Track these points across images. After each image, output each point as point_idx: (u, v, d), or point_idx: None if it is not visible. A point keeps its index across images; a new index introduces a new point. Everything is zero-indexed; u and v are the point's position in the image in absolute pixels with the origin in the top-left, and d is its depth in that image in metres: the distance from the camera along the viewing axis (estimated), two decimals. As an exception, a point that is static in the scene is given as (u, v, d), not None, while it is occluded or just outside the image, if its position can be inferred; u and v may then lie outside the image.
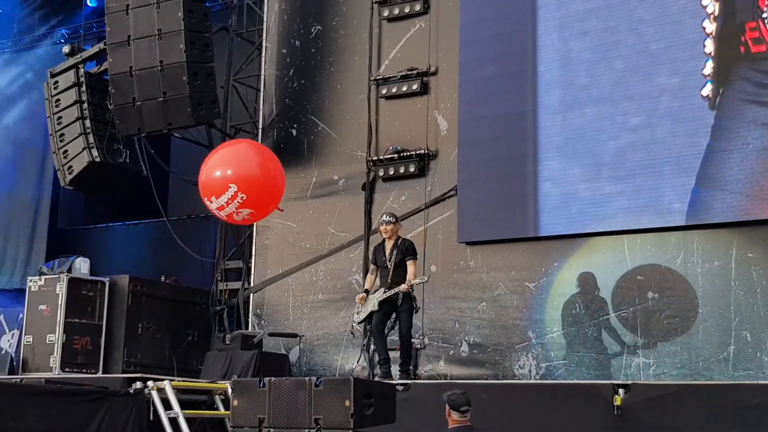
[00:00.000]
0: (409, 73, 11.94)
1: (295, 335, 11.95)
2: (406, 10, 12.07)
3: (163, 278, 13.32)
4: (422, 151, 11.66)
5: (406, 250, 9.80)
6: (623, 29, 10.31)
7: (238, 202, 9.52)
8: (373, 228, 11.85)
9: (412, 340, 10.26)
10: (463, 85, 11.38)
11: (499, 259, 10.90)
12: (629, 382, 8.34)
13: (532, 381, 10.03)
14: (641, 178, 10.00)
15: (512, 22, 11.11)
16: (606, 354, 10.07)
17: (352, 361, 11.58)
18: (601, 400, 8.12)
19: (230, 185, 9.46)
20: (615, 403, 7.99)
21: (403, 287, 9.56)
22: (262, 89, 13.36)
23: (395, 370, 10.03)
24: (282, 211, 10.94)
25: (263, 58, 13.38)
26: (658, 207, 9.88)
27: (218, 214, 9.91)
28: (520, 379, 10.37)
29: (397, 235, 9.94)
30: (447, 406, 6.55)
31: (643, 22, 10.20)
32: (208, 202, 9.76)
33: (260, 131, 13.19)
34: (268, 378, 7.29)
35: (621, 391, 8.05)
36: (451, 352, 11.04)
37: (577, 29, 10.61)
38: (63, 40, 16.93)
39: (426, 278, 9.64)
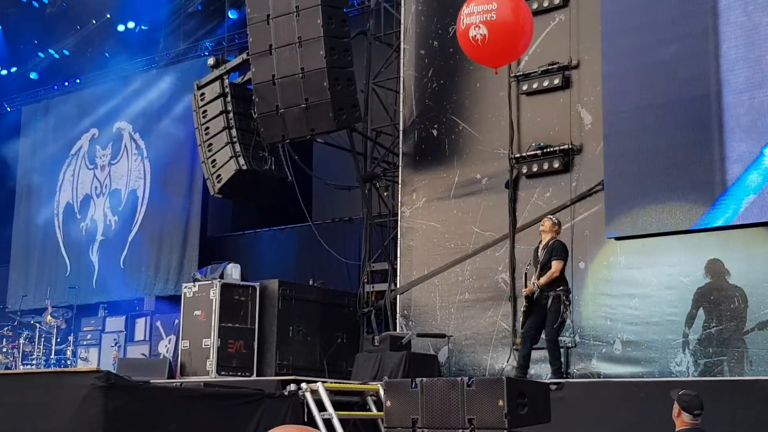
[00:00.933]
0: (550, 67, 11.75)
1: (443, 335, 11.95)
2: (545, 4, 11.88)
3: (311, 282, 13.53)
4: (566, 146, 11.46)
5: (553, 251, 9.72)
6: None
7: (486, 18, 9.26)
8: (518, 226, 11.72)
9: (561, 338, 10.11)
10: (606, 77, 11.10)
11: (650, 253, 10.60)
12: (796, 378, 7.98)
13: (691, 378, 9.70)
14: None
15: (665, 8, 10.71)
16: (768, 349, 9.67)
17: (502, 361, 11.49)
18: (766, 397, 7.79)
19: (494, 2, 9.30)
20: (782, 400, 7.66)
21: (526, 289, 9.63)
22: (401, 91, 13.40)
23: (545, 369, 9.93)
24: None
25: (402, 60, 13.43)
26: None
27: (459, 23, 9.63)
28: (677, 376, 10.04)
29: (551, 236, 9.87)
30: (677, 406, 6.26)
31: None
32: (465, 8, 9.53)
33: (401, 133, 13.24)
34: (420, 379, 7.28)
35: (788, 387, 7.71)
36: (604, 350, 10.80)
37: (763, 2, 10.05)
38: (207, 53, 17.44)
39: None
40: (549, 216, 10.21)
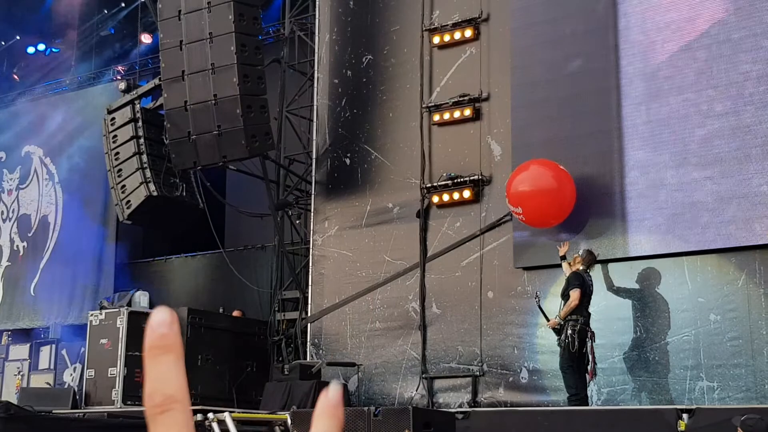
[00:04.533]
0: (461, 99, 11.93)
1: (353, 364, 11.95)
2: (456, 36, 12.09)
3: (221, 310, 13.40)
4: (476, 177, 11.63)
5: (569, 282, 9.74)
6: (705, 20, 10.24)
7: (519, 217, 10.44)
8: (429, 255, 11.82)
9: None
10: (515, 110, 11.34)
11: (556, 284, 10.78)
12: (693, 406, 8.19)
13: (594, 407, 9.87)
14: (728, 164, 9.87)
15: (571, 45, 11.08)
16: (669, 378, 9.90)
17: (411, 389, 11.55)
18: (665, 425, 7.99)
19: (519, 206, 10.42)
20: (679, 429, 7.86)
21: (549, 323, 9.73)
22: (315, 119, 13.45)
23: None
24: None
25: (315, 89, 13.48)
26: (746, 191, 9.73)
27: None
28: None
29: (575, 268, 9.86)
30: None
31: (726, 11, 10.14)
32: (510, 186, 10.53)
33: (314, 161, 13.27)
34: (327, 408, 7.28)
35: (685, 416, 7.92)
36: (511, 379, 10.93)
37: (660, 21, 10.59)
38: (119, 77, 17.25)
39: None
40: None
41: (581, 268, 9.85)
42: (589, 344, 9.54)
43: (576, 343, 9.44)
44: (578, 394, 9.49)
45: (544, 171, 10.44)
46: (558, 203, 10.39)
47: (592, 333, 9.58)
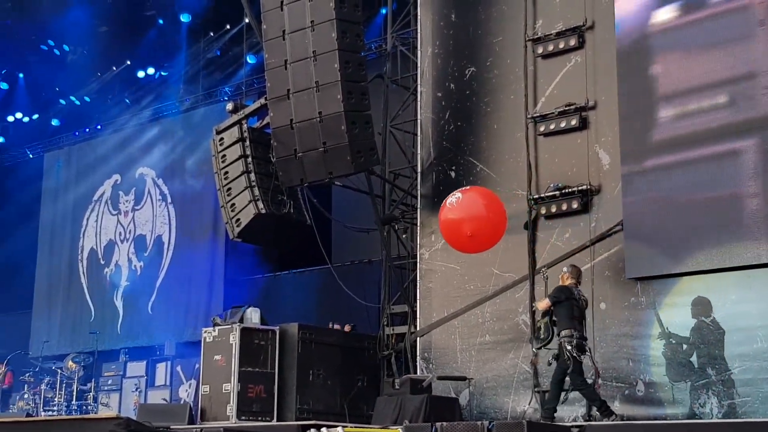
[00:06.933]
0: (567, 108, 11.76)
1: (464, 378, 11.89)
2: (561, 45, 11.93)
3: (330, 325, 13.50)
4: (584, 187, 11.44)
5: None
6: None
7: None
8: (537, 267, 11.67)
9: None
10: (623, 117, 11.11)
11: (671, 293, 10.53)
12: (821, 419, 7.88)
13: (715, 420, 9.59)
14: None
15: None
16: (794, 390, 9.55)
17: (524, 403, 11.42)
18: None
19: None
20: (807, 442, 7.56)
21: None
22: (419, 133, 13.46)
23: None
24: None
25: (419, 103, 13.49)
26: None
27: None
28: (701, 418, 9.93)
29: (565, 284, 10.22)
30: None
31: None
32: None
33: (419, 175, 13.27)
34: (440, 423, 7.30)
35: (813, 429, 7.62)
36: (627, 392, 10.69)
37: None
38: (226, 98, 17.62)
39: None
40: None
41: (570, 282, 10.11)
42: (587, 356, 9.80)
43: (575, 356, 9.67)
44: (555, 408, 9.82)
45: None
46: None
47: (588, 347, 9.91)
